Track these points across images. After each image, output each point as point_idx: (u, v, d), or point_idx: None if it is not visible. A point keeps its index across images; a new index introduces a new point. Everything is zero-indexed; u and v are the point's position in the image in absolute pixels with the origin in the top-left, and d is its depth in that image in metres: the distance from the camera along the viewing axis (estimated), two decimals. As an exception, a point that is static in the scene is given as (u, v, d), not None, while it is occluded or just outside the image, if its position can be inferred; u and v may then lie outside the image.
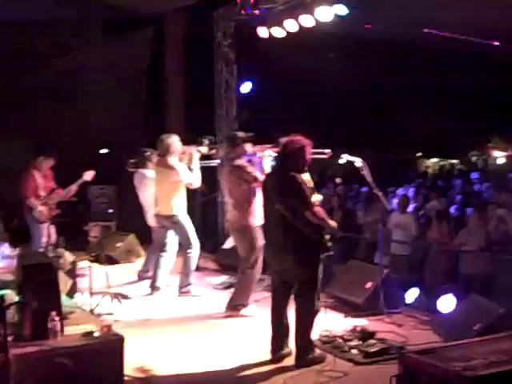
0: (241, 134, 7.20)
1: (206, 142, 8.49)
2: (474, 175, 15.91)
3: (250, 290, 7.14)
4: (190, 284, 8.16)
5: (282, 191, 5.49)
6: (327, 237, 5.47)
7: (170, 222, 8.17)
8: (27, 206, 9.31)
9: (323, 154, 7.48)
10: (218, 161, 8.22)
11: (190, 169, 8.10)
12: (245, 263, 7.08)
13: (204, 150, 8.41)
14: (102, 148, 15.01)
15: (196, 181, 8.15)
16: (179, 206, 8.12)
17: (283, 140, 5.69)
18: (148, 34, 14.89)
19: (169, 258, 8.40)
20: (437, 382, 3.57)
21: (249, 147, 7.14)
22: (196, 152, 8.22)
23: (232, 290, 7.85)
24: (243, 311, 7.06)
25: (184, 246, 8.18)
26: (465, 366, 3.57)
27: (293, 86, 16.66)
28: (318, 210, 5.44)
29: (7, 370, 4.26)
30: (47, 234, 9.16)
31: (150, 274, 9.02)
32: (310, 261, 5.44)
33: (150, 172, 8.78)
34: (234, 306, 7.10)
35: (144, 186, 8.83)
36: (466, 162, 28.88)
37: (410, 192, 12.62)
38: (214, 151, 8.44)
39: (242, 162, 7.05)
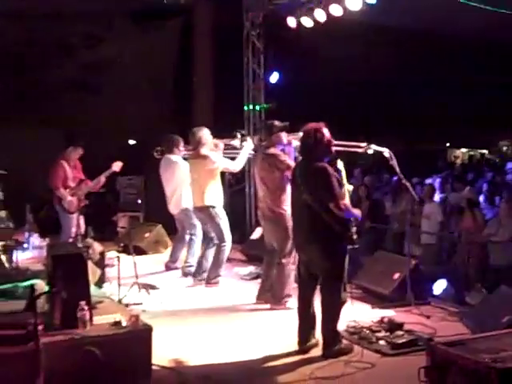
0: (277, 122, 7.14)
1: (239, 135, 8.52)
2: (510, 165, 15.63)
3: (289, 280, 7.09)
4: (219, 276, 8.20)
5: (310, 182, 5.47)
6: (353, 229, 5.46)
7: (206, 214, 8.19)
8: (57, 197, 9.41)
9: (359, 147, 7.43)
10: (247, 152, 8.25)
11: (236, 153, 8.22)
12: (280, 253, 6.98)
13: (237, 143, 8.42)
14: (129, 139, 15.10)
15: (234, 166, 8.20)
16: (215, 198, 8.14)
17: (302, 129, 5.70)
18: (176, 24, 14.93)
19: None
20: (466, 373, 3.54)
21: (284, 136, 7.12)
22: (248, 144, 8.27)
23: (259, 280, 7.89)
24: (289, 304, 6.94)
25: (218, 240, 8.21)
26: (494, 357, 3.53)
27: (320, 76, 16.60)
28: (344, 203, 5.42)
29: (38, 359, 4.32)
30: (76, 224, 9.25)
31: (178, 264, 9.10)
32: (335, 252, 5.43)
33: (175, 157, 8.82)
34: (279, 300, 7.04)
35: (168, 171, 8.87)
36: (495, 151, 28.54)
37: (437, 182, 12.48)
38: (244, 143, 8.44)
39: (275, 150, 7.01)
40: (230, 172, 8.38)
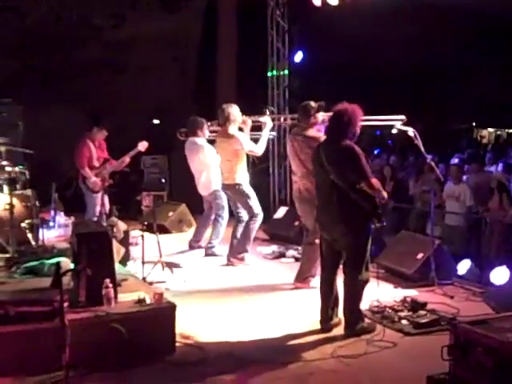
0: (313, 103, 7.04)
1: (268, 112, 8.50)
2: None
3: (317, 261, 7.09)
4: (246, 251, 8.25)
5: (338, 161, 5.43)
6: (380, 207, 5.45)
7: (234, 191, 8.22)
8: (82, 176, 9.49)
9: (399, 120, 7.35)
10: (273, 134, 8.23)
11: (259, 135, 8.18)
12: (312, 234, 6.91)
13: (266, 120, 8.40)
14: (153, 119, 15.14)
15: (259, 149, 8.20)
16: (242, 175, 8.18)
17: (336, 108, 5.65)
18: (201, 4, 14.88)
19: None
20: (489, 352, 3.53)
21: (320, 117, 7.06)
22: (268, 121, 8.26)
23: (282, 259, 7.91)
24: (312, 283, 6.94)
25: (249, 216, 8.25)
26: (518, 336, 3.53)
27: (345, 55, 16.47)
28: (375, 181, 5.40)
29: (63, 335, 4.38)
30: (101, 203, 9.33)
31: (202, 243, 9.14)
32: (360, 231, 5.42)
33: (200, 140, 8.82)
34: (304, 279, 7.07)
35: (194, 154, 8.87)
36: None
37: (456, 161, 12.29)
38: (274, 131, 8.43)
39: (315, 132, 6.90)
40: (255, 155, 8.36)
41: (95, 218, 8.86)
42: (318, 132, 6.90)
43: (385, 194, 5.48)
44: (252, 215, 8.23)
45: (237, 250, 8.23)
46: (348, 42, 15.47)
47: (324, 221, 5.65)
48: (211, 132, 8.84)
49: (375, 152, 16.36)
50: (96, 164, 9.53)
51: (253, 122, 8.38)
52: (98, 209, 9.28)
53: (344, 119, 5.49)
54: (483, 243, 9.15)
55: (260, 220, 8.32)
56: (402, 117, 7.29)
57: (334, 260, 5.67)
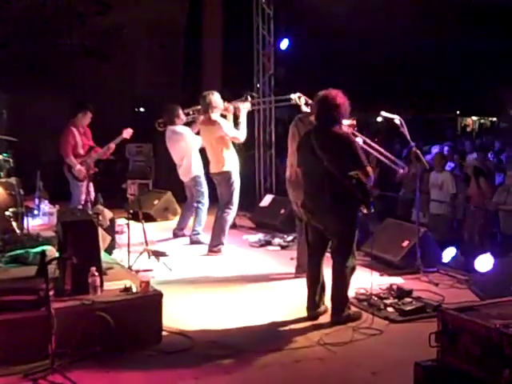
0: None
1: (249, 97, 8.48)
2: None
3: None
4: (221, 244, 8.18)
5: (334, 149, 5.40)
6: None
7: (223, 177, 8.16)
8: (67, 164, 9.43)
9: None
10: None
11: (237, 123, 8.14)
12: None
13: (247, 106, 8.39)
14: (139, 106, 15.07)
15: (241, 135, 8.17)
16: (231, 163, 8.14)
17: (321, 94, 5.62)
18: (186, -9, 14.80)
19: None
20: (477, 339, 3.55)
21: (303, 100, 6.98)
22: (243, 107, 8.22)
23: (268, 247, 7.88)
24: None
25: (223, 204, 8.21)
26: (506, 323, 3.54)
27: (330, 43, 16.46)
28: (370, 169, 5.40)
29: (49, 324, 4.37)
30: (86, 191, 9.28)
31: (186, 231, 9.13)
32: (351, 218, 5.44)
33: (179, 127, 8.82)
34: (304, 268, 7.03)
35: (175, 142, 8.87)
36: (507, 119, 28.31)
37: (445, 150, 12.39)
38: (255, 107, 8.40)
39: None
40: (238, 142, 8.32)
41: (80, 206, 8.82)
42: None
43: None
44: (227, 206, 8.15)
45: (212, 243, 8.18)
46: (334, 29, 15.45)
47: (314, 209, 5.60)
48: (186, 115, 8.83)
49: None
50: (81, 152, 9.47)
51: (234, 107, 8.36)
52: (83, 197, 9.23)
53: (333, 104, 5.47)
54: (465, 230, 9.21)
55: (234, 213, 8.30)
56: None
57: (321, 247, 5.68)
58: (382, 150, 7.30)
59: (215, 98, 8.13)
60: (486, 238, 8.92)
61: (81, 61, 13.60)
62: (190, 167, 8.77)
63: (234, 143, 8.31)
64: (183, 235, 9.12)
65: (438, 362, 3.78)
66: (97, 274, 4.98)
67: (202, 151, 8.62)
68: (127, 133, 9.52)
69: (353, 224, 5.47)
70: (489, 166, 10.65)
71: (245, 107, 8.30)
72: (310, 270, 5.75)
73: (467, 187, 9.68)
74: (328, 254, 5.71)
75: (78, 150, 9.45)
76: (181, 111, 8.88)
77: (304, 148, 5.68)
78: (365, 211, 5.42)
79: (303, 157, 5.74)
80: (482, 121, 30.21)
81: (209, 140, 8.18)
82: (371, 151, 7.10)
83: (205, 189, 8.76)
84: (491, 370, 3.44)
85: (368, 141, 7.11)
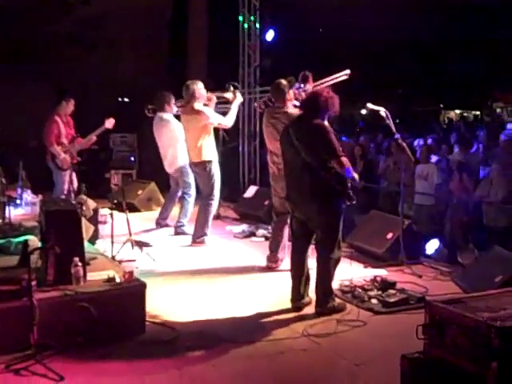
0: (284, 81, 6.96)
1: (231, 88, 8.44)
2: (509, 126, 15.49)
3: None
4: (205, 235, 8.14)
5: (308, 140, 5.43)
6: (349, 186, 5.45)
7: (202, 168, 8.10)
8: (50, 153, 9.36)
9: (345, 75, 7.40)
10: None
11: (228, 108, 8.14)
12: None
13: (229, 95, 8.36)
14: (123, 96, 14.99)
15: (229, 121, 8.15)
16: (211, 152, 8.08)
17: (312, 91, 5.66)
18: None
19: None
20: (465, 331, 3.55)
21: (292, 93, 7.00)
22: (238, 97, 8.24)
23: (252, 238, 7.87)
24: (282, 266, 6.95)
25: (205, 195, 8.17)
26: (494, 316, 3.55)
27: (316, 34, 16.44)
28: (345, 160, 5.39)
29: (31, 314, 4.33)
30: (69, 181, 9.24)
31: (169, 221, 9.09)
32: (334, 208, 5.43)
33: (167, 115, 8.78)
34: (277, 260, 7.02)
35: (161, 129, 8.83)
36: (490, 113, 28.49)
37: (429, 142, 12.40)
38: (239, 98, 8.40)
39: (292, 109, 6.82)
40: (223, 128, 8.31)
41: (63, 196, 8.76)
42: (295, 108, 6.87)
43: (356, 175, 5.49)
44: (209, 197, 8.09)
45: (196, 235, 8.14)
46: (320, 20, 15.43)
47: (297, 200, 5.61)
48: (178, 107, 8.79)
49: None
50: (64, 141, 9.43)
51: (217, 98, 8.33)
52: (66, 186, 9.18)
53: (320, 103, 5.49)
54: (448, 223, 9.24)
55: (216, 203, 8.27)
56: (347, 71, 7.53)
57: (306, 239, 5.68)
58: None
59: (199, 87, 8.07)
60: (469, 230, 8.95)
61: (65, 49, 13.49)
62: (176, 157, 8.73)
63: (217, 134, 8.27)
64: (166, 225, 9.09)
65: (425, 355, 3.78)
66: (80, 264, 4.94)
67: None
68: (109, 123, 9.48)
69: (336, 215, 5.46)
70: (470, 160, 10.68)
71: (224, 97, 8.28)
72: (294, 260, 5.75)
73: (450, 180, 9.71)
74: (313, 246, 5.72)
75: (62, 139, 9.40)
76: (173, 100, 8.80)
77: (284, 141, 5.70)
78: (347, 202, 5.42)
79: (284, 150, 5.75)
80: (465, 114, 30.35)
81: (191, 129, 8.08)
82: None
83: (191, 180, 8.71)
84: (479, 363, 3.44)
85: None
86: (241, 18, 11.74)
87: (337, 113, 5.66)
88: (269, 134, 7.02)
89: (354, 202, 5.45)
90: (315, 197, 5.39)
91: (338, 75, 7.67)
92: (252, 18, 11.63)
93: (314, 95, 5.63)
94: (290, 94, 6.94)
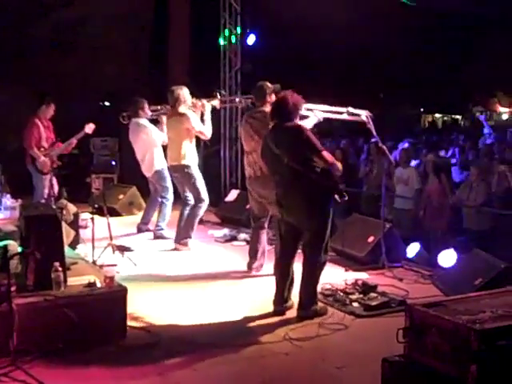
0: (268, 84, 6.94)
1: (218, 95, 8.43)
2: (486, 130, 15.65)
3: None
4: (189, 237, 8.13)
5: (288, 143, 5.44)
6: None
7: (182, 173, 8.08)
8: (30, 157, 9.31)
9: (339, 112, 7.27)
10: None
11: (203, 120, 8.08)
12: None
13: (216, 103, 8.35)
14: (104, 100, 14.93)
15: (208, 131, 8.11)
16: (191, 157, 8.05)
17: (276, 99, 5.79)
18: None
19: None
20: (444, 335, 3.58)
21: (274, 98, 6.96)
22: (208, 104, 8.18)
23: (234, 242, 7.86)
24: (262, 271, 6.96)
25: (194, 199, 8.14)
26: (473, 319, 3.57)
27: (296, 38, 16.49)
28: (327, 153, 5.42)
29: (11, 320, 4.29)
30: (49, 185, 9.18)
31: (150, 226, 9.06)
32: (322, 213, 5.44)
33: (142, 120, 8.75)
34: (257, 266, 7.01)
35: (137, 135, 8.79)
36: (469, 117, 28.77)
37: (406, 146, 12.48)
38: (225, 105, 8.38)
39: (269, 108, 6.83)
40: (201, 137, 8.25)
41: (43, 200, 8.71)
42: None
43: (339, 165, 5.50)
44: (198, 200, 8.09)
45: (180, 237, 8.12)
46: (300, 25, 15.49)
47: (288, 206, 5.56)
48: (152, 111, 8.77)
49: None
50: (45, 145, 9.39)
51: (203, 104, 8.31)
52: (46, 191, 9.12)
53: (289, 105, 5.55)
54: (428, 226, 9.29)
55: (205, 206, 8.23)
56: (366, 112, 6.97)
57: (294, 243, 5.68)
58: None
59: (184, 92, 8.04)
60: (449, 233, 9.01)
61: (45, 53, 13.41)
62: (153, 162, 8.71)
63: (198, 139, 8.26)
64: (147, 230, 9.06)
65: (406, 358, 3.79)
66: (60, 269, 4.90)
67: (165, 148, 8.53)
68: (89, 128, 9.47)
69: (326, 220, 5.46)
70: (445, 163, 10.74)
71: (211, 104, 8.26)
72: (280, 264, 5.74)
73: (426, 183, 9.76)
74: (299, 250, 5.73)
75: (42, 142, 9.36)
76: (146, 105, 8.80)
77: (266, 153, 5.72)
78: (338, 199, 5.41)
79: (268, 161, 5.78)
80: (446, 118, 30.59)
81: (174, 132, 8.04)
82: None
83: (169, 184, 8.70)
84: (459, 366, 3.46)
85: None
86: (222, 22, 11.75)
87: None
88: (245, 134, 6.98)
89: (346, 199, 5.43)
90: (306, 202, 5.38)
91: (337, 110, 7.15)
92: (238, 29, 11.64)
93: (281, 101, 5.66)
94: (272, 97, 6.92)
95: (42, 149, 9.34)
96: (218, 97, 8.47)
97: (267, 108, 6.76)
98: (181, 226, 8.20)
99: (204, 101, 8.25)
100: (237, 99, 9.97)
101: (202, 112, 8.19)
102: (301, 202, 5.42)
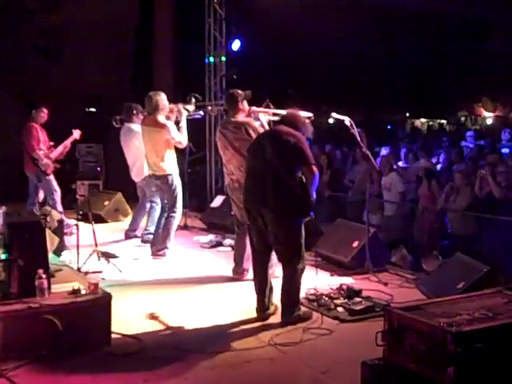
0: (239, 91, 6.95)
1: (193, 100, 8.43)
2: (469, 134, 15.75)
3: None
4: (166, 248, 8.03)
5: (281, 150, 5.46)
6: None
7: (163, 181, 8.04)
8: (31, 162, 9.32)
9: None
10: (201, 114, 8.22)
11: (179, 127, 8.05)
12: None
13: (191, 108, 8.36)
14: (89, 106, 14.90)
15: (184, 141, 8.10)
16: (172, 166, 8.03)
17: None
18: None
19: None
20: (422, 337, 3.61)
21: (246, 105, 6.95)
22: (184, 110, 8.17)
23: (220, 248, 7.87)
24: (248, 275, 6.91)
25: (168, 208, 8.10)
26: (450, 321, 3.61)
27: (282, 44, 16.53)
28: (315, 169, 5.45)
29: (-6, 327, 4.28)
30: (35, 191, 9.21)
31: (138, 233, 9.05)
32: (292, 225, 5.43)
33: (136, 126, 8.74)
34: (242, 271, 7.02)
35: (130, 140, 8.79)
36: (454, 122, 28.93)
37: (402, 152, 12.53)
38: (200, 111, 8.39)
39: (243, 117, 6.83)
40: (180, 147, 8.23)
41: (59, 204, 8.93)
42: (247, 117, 6.88)
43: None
44: (172, 209, 8.02)
45: (157, 248, 8.05)
46: (285, 30, 15.53)
47: (258, 210, 5.54)
48: (142, 115, 8.77)
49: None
50: (43, 148, 9.43)
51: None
52: (57, 189, 9.21)
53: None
54: (416, 231, 9.34)
55: (179, 216, 8.19)
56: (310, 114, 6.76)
57: (266, 251, 5.65)
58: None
59: (162, 98, 8.00)
60: (434, 237, 9.05)
61: (28, 59, 13.37)
62: (143, 168, 8.67)
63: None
64: (135, 236, 9.04)
65: (384, 361, 3.82)
66: (44, 276, 4.89)
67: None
68: (77, 133, 9.51)
69: (295, 227, 5.44)
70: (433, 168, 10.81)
71: (186, 109, 8.24)
72: (257, 274, 5.72)
73: (418, 188, 9.80)
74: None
75: (41, 145, 9.39)
76: (140, 110, 8.77)
77: (254, 151, 5.75)
78: (305, 218, 5.44)
79: (251, 159, 5.79)
80: (431, 123, 30.74)
81: (153, 142, 7.97)
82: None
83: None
84: (436, 368, 3.50)
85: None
86: (206, 28, 11.78)
87: (308, 137, 5.80)
88: (221, 144, 6.99)
89: (312, 217, 5.45)
90: (277, 206, 5.37)
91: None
92: (223, 35, 11.69)
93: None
94: (245, 104, 6.90)
95: (42, 152, 9.37)
96: (193, 101, 8.46)
97: (239, 117, 6.81)
98: (158, 233, 8.18)
99: (180, 105, 8.25)
100: (209, 107, 9.98)
101: (178, 117, 8.17)
102: (274, 209, 5.39)
